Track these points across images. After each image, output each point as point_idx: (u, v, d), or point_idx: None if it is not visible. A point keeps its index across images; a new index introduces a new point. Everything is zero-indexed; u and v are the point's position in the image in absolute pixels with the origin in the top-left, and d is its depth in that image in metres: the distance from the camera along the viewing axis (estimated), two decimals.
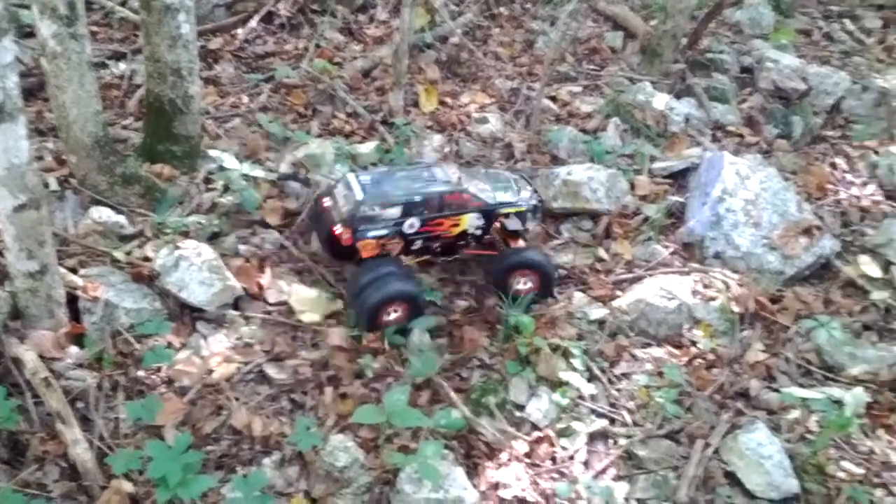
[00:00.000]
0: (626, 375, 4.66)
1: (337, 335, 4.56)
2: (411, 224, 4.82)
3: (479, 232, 5.06)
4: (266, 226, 5.42)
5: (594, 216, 5.87)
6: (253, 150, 6.09)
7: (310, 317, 4.76)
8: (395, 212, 4.76)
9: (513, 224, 5.06)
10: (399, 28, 6.59)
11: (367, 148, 6.16)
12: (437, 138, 6.56)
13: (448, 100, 7.11)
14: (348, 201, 4.77)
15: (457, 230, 4.99)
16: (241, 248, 5.21)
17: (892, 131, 7.05)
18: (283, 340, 4.68)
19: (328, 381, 4.41)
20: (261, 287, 4.93)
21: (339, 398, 4.33)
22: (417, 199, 4.78)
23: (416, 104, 6.99)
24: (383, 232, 4.78)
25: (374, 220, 4.73)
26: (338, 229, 4.76)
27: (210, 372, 4.40)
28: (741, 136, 6.88)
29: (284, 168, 5.84)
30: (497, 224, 5.10)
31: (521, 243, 5.18)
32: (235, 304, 4.84)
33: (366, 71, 7.37)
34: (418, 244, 4.95)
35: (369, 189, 4.77)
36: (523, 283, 5.02)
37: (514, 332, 4.64)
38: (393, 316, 4.69)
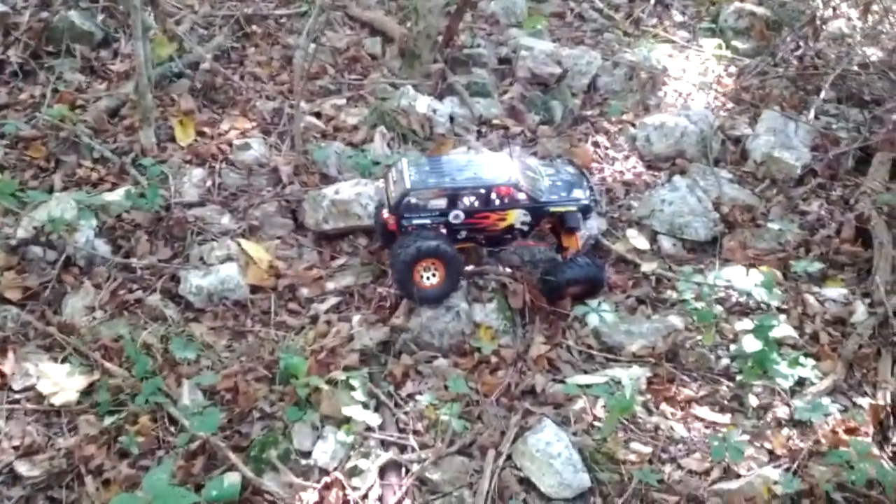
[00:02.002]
0: (412, 396, 4.51)
1: (86, 423, 4.14)
2: (456, 215, 4.81)
3: (526, 228, 5.02)
4: (6, 301, 4.87)
5: (369, 232, 5.70)
6: None
7: (62, 398, 4.30)
8: (440, 203, 4.79)
9: (571, 221, 5.05)
10: (136, 63, 6.12)
11: (117, 195, 5.69)
12: (198, 172, 6.17)
13: (207, 129, 6.69)
14: (397, 188, 4.78)
15: (503, 224, 4.95)
16: None
17: (646, 102, 7.34)
18: (36, 430, 4.20)
19: (88, 469, 3.98)
20: (3, 374, 4.41)
21: (102, 486, 3.92)
22: (464, 191, 4.79)
23: (172, 138, 6.55)
24: (427, 221, 4.81)
25: (419, 208, 4.77)
26: (385, 214, 4.86)
27: None
28: (506, 127, 6.93)
29: (22, 233, 5.28)
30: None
31: (576, 239, 5.15)
32: None
33: (112, 110, 6.81)
34: (463, 234, 4.93)
35: (418, 177, 4.77)
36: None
37: (289, 376, 4.38)
38: (430, 280, 4.74)
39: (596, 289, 5.07)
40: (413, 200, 4.79)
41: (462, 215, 4.84)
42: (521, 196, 4.89)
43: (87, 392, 4.39)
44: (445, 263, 4.75)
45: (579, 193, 5.11)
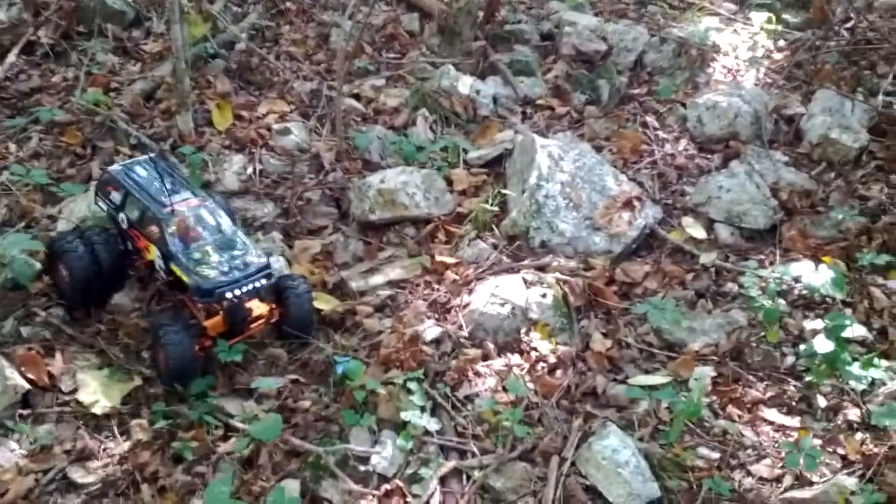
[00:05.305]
0: (469, 398, 4.37)
1: (139, 427, 4.05)
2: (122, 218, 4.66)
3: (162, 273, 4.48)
4: (48, 300, 4.77)
5: (417, 222, 5.55)
6: (25, 210, 5.37)
7: (103, 406, 4.20)
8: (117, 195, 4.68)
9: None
10: (174, 47, 5.93)
11: None
12: (237, 159, 5.99)
13: (244, 113, 6.52)
14: None
15: (148, 255, 4.52)
16: (24, 331, 4.57)
17: (695, 80, 7.08)
18: (87, 434, 4.12)
19: (143, 476, 3.89)
20: (51, 376, 4.32)
21: (158, 494, 3.83)
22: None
23: (209, 122, 6.38)
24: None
25: None
26: None
27: (3, 493, 3.79)
28: (551, 108, 6.71)
29: (63, 226, 5.17)
30: None
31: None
32: (25, 402, 4.22)
33: (148, 93, 6.66)
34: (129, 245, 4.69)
35: None
36: None
37: (344, 379, 4.25)
38: None
39: None
40: None
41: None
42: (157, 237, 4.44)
43: (129, 396, 4.31)
44: None
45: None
